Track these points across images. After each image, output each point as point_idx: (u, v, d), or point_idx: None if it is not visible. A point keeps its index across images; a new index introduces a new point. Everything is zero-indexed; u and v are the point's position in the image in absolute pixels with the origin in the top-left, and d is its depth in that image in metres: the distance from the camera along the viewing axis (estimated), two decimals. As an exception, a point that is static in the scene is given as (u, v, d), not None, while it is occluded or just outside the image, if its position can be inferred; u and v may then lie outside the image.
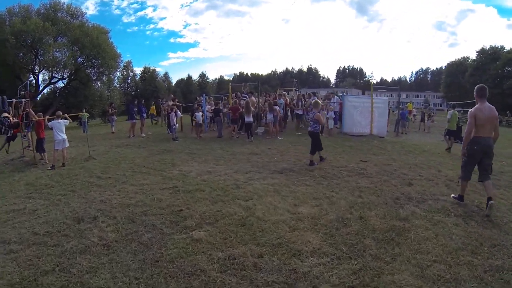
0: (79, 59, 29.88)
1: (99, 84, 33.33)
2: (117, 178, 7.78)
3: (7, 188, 7.51)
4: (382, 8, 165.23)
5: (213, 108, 15.70)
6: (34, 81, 29.94)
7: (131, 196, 6.42)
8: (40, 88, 31.57)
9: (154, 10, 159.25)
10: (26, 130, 10.78)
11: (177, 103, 16.82)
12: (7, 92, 30.22)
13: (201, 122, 14.62)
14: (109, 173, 8.28)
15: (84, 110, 20.10)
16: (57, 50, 28.87)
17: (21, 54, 27.61)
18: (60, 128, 9.20)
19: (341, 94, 23.14)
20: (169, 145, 12.66)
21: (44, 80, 32.12)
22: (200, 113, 14.39)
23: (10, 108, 9.34)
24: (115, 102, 17.78)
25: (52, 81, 31.95)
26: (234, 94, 17.32)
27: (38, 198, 6.52)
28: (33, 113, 10.13)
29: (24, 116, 10.53)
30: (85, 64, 30.63)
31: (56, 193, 6.81)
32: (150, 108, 22.99)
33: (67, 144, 9.56)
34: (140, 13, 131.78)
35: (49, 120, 9.71)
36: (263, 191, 6.29)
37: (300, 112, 16.83)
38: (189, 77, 57.11)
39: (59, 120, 9.28)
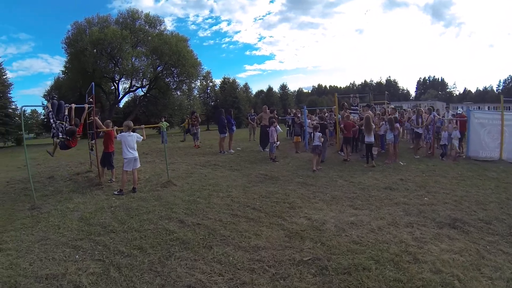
0: (159, 68, 29.32)
1: (179, 93, 32.58)
2: (210, 228, 4.93)
3: (55, 221, 5.32)
4: (459, 11, 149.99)
5: (318, 122, 12.34)
6: (114, 89, 30.82)
7: (243, 279, 3.41)
8: (120, 96, 31.90)
9: (228, 24, 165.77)
10: (92, 142, 8.70)
11: (276, 115, 13.84)
12: (89, 99, 31.22)
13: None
14: (197, 214, 5.53)
15: (164, 119, 18.72)
16: (136, 58, 28.50)
17: (101, 62, 27.59)
18: (131, 143, 6.95)
19: (461, 109, 18.35)
20: (269, 168, 9.65)
21: (124, 89, 32.48)
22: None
23: (67, 117, 7.22)
24: (196, 112, 15.13)
25: (132, 89, 32.09)
26: (342, 105, 13.90)
27: (87, 253, 4.17)
28: (100, 122, 8.04)
29: (87, 125, 8.64)
30: (164, 73, 30.14)
31: (114, 249, 4.24)
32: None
33: (139, 165, 7.34)
34: (215, 28, 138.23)
35: (117, 132, 7.49)
36: (456, 265, 3.74)
37: (420, 131, 12.97)
38: (270, 89, 55.63)
39: (130, 132, 7.04)
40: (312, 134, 11.40)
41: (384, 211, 5.55)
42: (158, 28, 30.38)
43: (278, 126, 11.53)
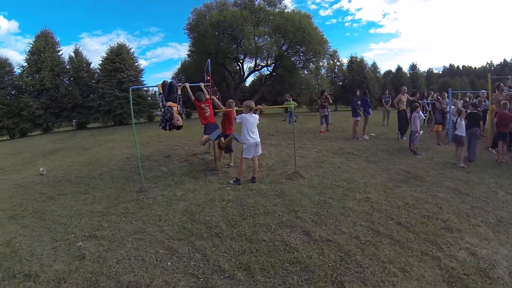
0: (283, 46, 28.22)
1: (306, 72, 31.07)
2: (343, 248, 3.37)
3: (158, 211, 4.60)
4: None
5: (470, 111, 8.83)
6: (239, 69, 31.21)
7: None
8: (245, 75, 31.95)
9: (349, 1, 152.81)
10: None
11: (417, 99, 10.93)
12: (213, 78, 32.41)
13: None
14: (327, 224, 3.95)
15: (291, 99, 17.27)
16: (259, 37, 27.58)
17: (223, 44, 27.60)
18: (252, 126, 5.74)
19: None
20: (410, 162, 7.19)
21: (249, 68, 32.02)
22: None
23: (180, 97, 6.33)
24: (326, 91, 12.99)
25: (257, 68, 31.35)
26: (497, 86, 9.86)
27: (182, 261, 3.22)
28: (218, 102, 7.15)
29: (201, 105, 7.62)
30: (290, 51, 28.77)
31: (215, 263, 3.14)
32: None
33: (260, 151, 6.02)
34: (335, 6, 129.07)
35: (237, 113, 6.38)
36: None
37: None
38: (399, 68, 48.87)
39: (252, 114, 5.78)
40: (455, 121, 8.21)
41: None
42: (278, 6, 28.98)
43: (421, 112, 8.85)
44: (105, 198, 5.41)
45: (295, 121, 17.11)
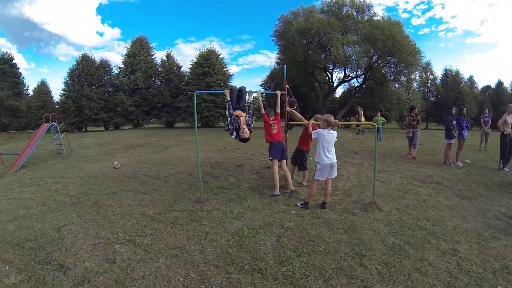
0: (374, 57, 26.27)
1: (397, 86, 28.63)
2: None
3: (207, 227, 4.17)
4: None
5: None
6: (328, 79, 30.15)
7: None
8: (334, 86, 30.42)
9: (443, 7, 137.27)
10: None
11: None
12: (302, 88, 31.36)
13: None
14: (397, 281, 2.96)
15: (379, 114, 16.21)
16: (348, 46, 25.80)
17: (312, 52, 26.54)
18: (329, 143, 4.88)
19: None
20: None
21: (339, 78, 30.52)
22: None
23: (250, 105, 5.84)
24: (417, 108, 11.24)
25: (346, 79, 29.81)
26: None
27: None
28: (299, 114, 6.32)
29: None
30: (380, 62, 26.55)
31: None
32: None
33: (335, 173, 5.06)
34: (428, 14, 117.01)
35: (314, 128, 5.47)
36: None
37: None
38: (500, 83, 42.13)
39: (330, 130, 4.91)
40: None
41: None
42: (367, 14, 27.09)
43: None
44: (161, 202, 5.23)
45: (362, 133, 15.48)
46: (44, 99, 34.33)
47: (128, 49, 33.65)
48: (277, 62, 33.20)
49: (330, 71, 29.11)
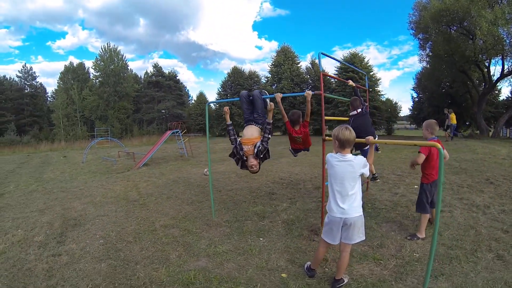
0: None
1: None
2: None
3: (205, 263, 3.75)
4: None
5: None
6: (483, 75, 22.11)
7: None
8: (492, 84, 21.78)
9: None
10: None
11: None
12: (454, 89, 25.70)
13: None
14: None
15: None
16: (498, 25, 16.76)
17: (458, 41, 19.63)
18: (342, 181, 2.95)
19: None
20: None
21: (498, 72, 21.55)
22: None
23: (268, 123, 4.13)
24: None
25: (505, 73, 20.61)
26: None
27: None
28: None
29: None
30: None
31: None
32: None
33: (357, 238, 2.99)
34: None
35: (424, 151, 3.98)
36: None
37: None
38: None
39: (348, 154, 3.00)
40: None
41: None
42: None
43: None
44: (193, 219, 5.08)
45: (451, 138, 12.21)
46: (202, 107, 40.33)
47: (273, 59, 36.64)
48: (424, 60, 25.58)
49: (486, 63, 21.36)
